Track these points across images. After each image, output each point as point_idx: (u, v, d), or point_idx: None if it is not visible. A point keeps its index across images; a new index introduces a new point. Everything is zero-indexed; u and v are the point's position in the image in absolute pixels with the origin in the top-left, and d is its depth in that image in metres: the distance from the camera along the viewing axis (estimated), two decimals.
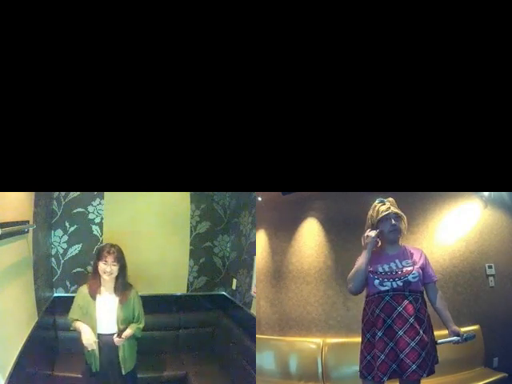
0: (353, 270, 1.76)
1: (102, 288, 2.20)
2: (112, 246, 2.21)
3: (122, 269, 2.21)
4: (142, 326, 2.26)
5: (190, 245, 3.35)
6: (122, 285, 2.23)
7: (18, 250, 2.03)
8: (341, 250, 3.07)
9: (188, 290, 3.36)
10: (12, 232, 1.80)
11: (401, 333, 1.59)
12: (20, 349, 1.89)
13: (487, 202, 2.86)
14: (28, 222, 2.20)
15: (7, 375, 1.66)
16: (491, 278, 2.78)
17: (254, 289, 2.80)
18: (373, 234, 1.71)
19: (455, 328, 1.68)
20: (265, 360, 2.97)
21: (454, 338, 1.66)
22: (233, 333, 2.91)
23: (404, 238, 3.03)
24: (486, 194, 2.85)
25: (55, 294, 2.99)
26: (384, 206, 1.76)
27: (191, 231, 3.36)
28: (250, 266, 2.92)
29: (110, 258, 2.15)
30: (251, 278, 2.85)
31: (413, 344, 1.58)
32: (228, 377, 2.76)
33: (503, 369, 2.52)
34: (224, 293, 3.41)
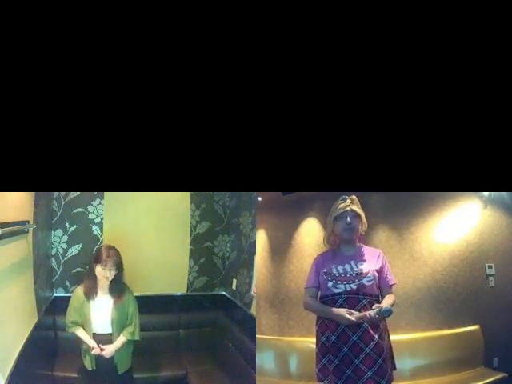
0: (315, 308, 1.70)
1: (97, 289, 2.20)
2: (110, 248, 2.19)
3: (120, 272, 2.20)
4: (132, 329, 2.24)
5: (190, 245, 3.35)
6: (118, 286, 2.22)
7: (18, 250, 2.03)
8: None
9: (188, 290, 3.36)
10: (12, 232, 1.79)
11: (355, 338, 1.54)
12: (20, 349, 1.89)
13: (487, 202, 2.86)
14: (28, 222, 2.19)
15: (7, 375, 1.66)
16: (491, 278, 2.78)
17: (254, 289, 2.80)
18: (352, 318, 1.56)
19: (378, 305, 1.58)
20: (265, 360, 2.97)
21: (369, 312, 1.54)
22: (233, 333, 2.91)
23: (404, 238, 3.03)
24: (485, 194, 2.86)
25: (55, 294, 2.98)
26: (344, 203, 1.70)
27: (191, 231, 3.36)
28: (250, 266, 2.91)
29: (109, 263, 2.13)
30: (251, 278, 2.85)
31: (367, 350, 1.53)
32: (228, 377, 2.75)
33: (503, 369, 2.52)
34: (224, 293, 3.41)
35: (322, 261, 1.75)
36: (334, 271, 1.67)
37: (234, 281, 3.20)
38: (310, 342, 3.00)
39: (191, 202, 3.35)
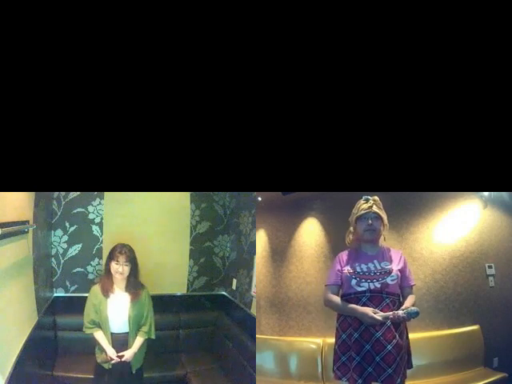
0: (337, 305, 1.70)
1: (114, 287, 2.24)
2: (124, 246, 2.25)
3: (134, 268, 2.25)
4: (147, 328, 2.28)
5: (190, 245, 3.35)
6: (134, 284, 2.27)
7: (18, 250, 2.03)
8: (341, 250, 3.06)
9: (188, 290, 3.36)
10: (12, 232, 1.80)
11: (378, 335, 1.56)
12: (20, 349, 1.89)
13: (487, 202, 2.86)
14: (28, 222, 2.19)
15: (7, 375, 1.66)
16: (491, 278, 2.78)
17: (253, 289, 2.80)
18: (378, 317, 1.58)
19: (406, 306, 1.61)
20: (265, 360, 2.97)
21: (397, 312, 1.57)
22: (233, 333, 2.91)
23: (404, 238, 3.03)
24: (485, 194, 2.85)
25: (55, 294, 2.99)
26: (366, 204, 1.72)
27: (191, 231, 3.36)
28: (250, 266, 2.92)
29: (121, 258, 2.19)
30: (251, 278, 2.85)
31: (389, 347, 1.54)
32: (228, 377, 2.76)
33: (503, 369, 2.52)
34: (224, 293, 3.41)
35: (344, 259, 1.76)
36: (358, 269, 1.68)
37: (234, 281, 3.20)
38: (310, 341, 3.02)
39: (191, 202, 3.35)
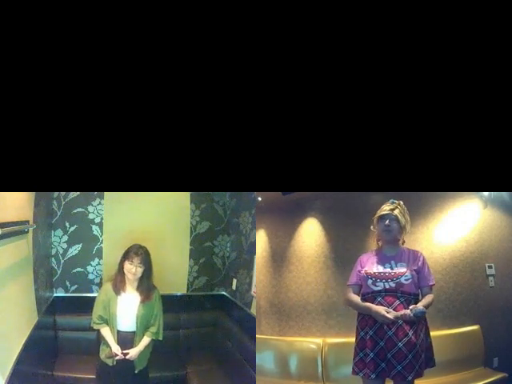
0: (355, 304, 1.77)
1: (126, 286, 2.24)
2: (140, 247, 2.24)
3: (147, 270, 2.25)
4: (155, 329, 2.30)
5: (190, 245, 3.35)
6: (146, 286, 2.27)
7: (18, 250, 2.03)
8: (341, 249, 3.07)
9: (188, 290, 3.36)
10: (12, 232, 1.80)
11: (390, 333, 1.62)
12: (20, 349, 1.89)
13: (487, 202, 2.86)
14: (28, 222, 2.19)
15: (7, 375, 1.66)
16: (491, 278, 2.78)
17: (254, 289, 2.80)
18: (390, 316, 1.64)
19: (414, 305, 1.64)
20: (265, 360, 2.97)
21: (405, 311, 1.62)
22: (233, 333, 2.91)
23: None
24: (485, 194, 2.85)
25: (55, 294, 2.99)
26: (389, 206, 1.80)
27: (191, 231, 3.36)
28: (250, 266, 2.91)
29: (136, 259, 2.19)
30: (251, 278, 2.85)
31: (400, 345, 1.60)
32: (228, 377, 2.75)
33: (503, 369, 2.52)
34: (224, 293, 3.41)
35: (364, 260, 1.84)
36: (375, 270, 1.76)
37: (234, 281, 3.20)
38: (310, 341, 3.02)
39: (191, 202, 3.35)
